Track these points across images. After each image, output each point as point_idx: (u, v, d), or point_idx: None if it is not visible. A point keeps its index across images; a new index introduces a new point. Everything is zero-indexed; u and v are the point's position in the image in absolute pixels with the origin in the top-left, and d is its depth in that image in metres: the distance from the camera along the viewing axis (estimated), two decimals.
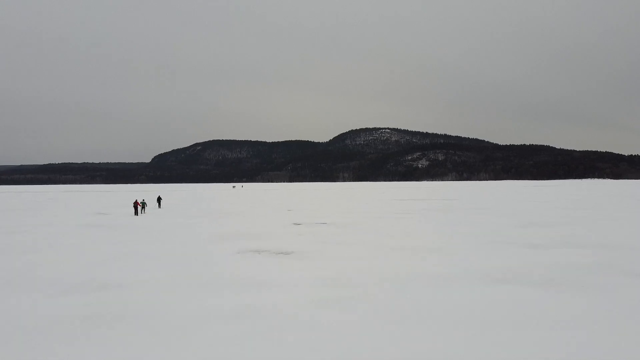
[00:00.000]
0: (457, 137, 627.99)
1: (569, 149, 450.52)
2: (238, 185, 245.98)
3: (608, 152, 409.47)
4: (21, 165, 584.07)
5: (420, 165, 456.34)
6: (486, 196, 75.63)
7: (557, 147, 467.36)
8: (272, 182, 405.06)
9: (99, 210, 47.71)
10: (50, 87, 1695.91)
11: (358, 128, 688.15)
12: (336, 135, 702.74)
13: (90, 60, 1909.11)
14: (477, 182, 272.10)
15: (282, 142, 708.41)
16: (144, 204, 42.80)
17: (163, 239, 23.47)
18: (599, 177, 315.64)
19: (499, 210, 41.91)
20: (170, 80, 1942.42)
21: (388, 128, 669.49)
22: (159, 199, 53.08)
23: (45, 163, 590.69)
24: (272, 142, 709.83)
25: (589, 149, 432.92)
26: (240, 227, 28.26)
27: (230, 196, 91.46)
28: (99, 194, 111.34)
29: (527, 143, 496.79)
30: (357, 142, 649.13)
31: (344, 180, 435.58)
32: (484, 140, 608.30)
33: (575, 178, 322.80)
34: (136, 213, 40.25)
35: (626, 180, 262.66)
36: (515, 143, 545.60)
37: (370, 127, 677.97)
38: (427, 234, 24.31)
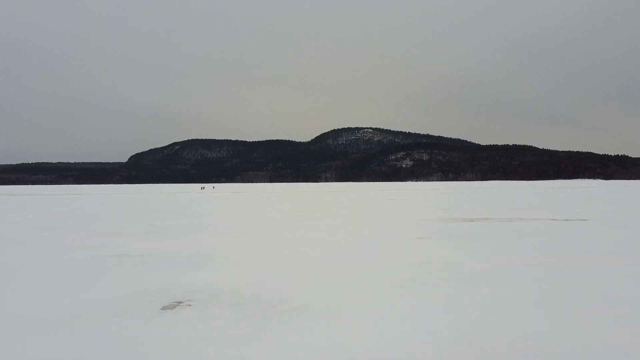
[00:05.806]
0: (439, 137, 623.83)
1: (552, 149, 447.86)
2: (208, 186, 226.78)
3: (589, 152, 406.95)
4: None
5: (404, 165, 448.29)
6: (606, 209, 46.06)
7: (540, 147, 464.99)
8: (252, 182, 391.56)
9: None
10: (26, 83, 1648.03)
11: (340, 128, 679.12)
12: (318, 135, 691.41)
13: (67, 57, 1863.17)
14: (480, 182, 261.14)
15: (263, 141, 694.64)
16: None
17: None
18: (589, 177, 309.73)
19: None
20: (149, 79, 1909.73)
21: (370, 128, 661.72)
22: None
23: (19, 163, 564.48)
24: (253, 142, 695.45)
25: (571, 150, 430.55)
26: None
27: (165, 209, 39.52)
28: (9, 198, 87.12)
29: (510, 143, 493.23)
30: (339, 142, 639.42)
31: (326, 180, 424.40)
32: (466, 141, 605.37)
33: (565, 178, 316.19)
34: None
35: (623, 180, 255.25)
36: (498, 143, 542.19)
37: (353, 126, 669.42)
38: None
